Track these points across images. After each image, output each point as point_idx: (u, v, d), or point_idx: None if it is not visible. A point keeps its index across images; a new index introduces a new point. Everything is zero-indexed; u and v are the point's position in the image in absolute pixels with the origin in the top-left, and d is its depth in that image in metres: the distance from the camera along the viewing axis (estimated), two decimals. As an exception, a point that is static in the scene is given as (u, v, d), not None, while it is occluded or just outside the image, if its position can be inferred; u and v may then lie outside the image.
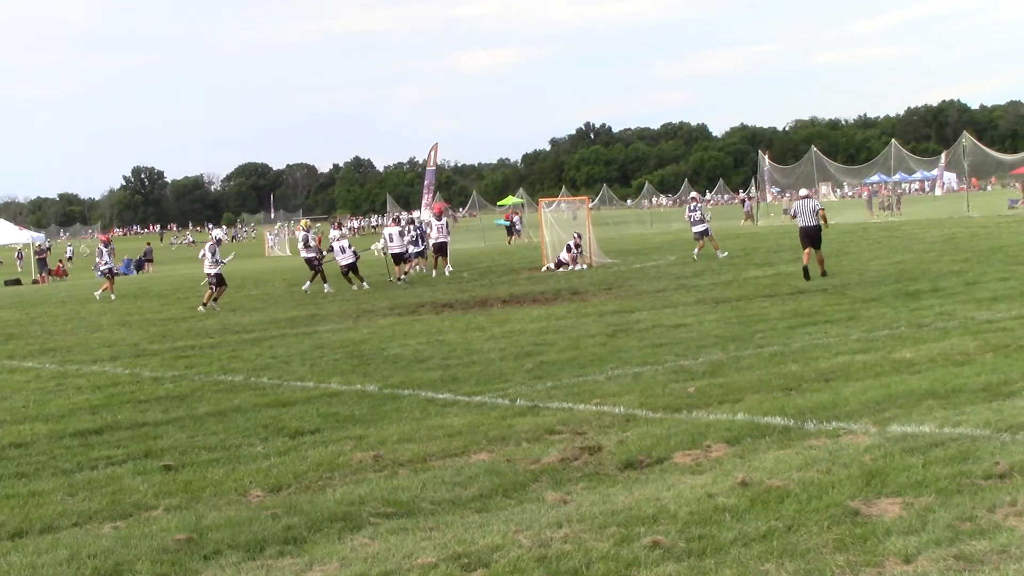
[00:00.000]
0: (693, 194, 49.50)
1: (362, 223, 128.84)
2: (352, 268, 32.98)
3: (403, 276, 34.44)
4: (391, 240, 35.22)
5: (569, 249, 35.74)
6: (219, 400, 13.68)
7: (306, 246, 34.19)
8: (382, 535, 7.48)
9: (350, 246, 33.18)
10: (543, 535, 7.16)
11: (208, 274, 29.51)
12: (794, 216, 27.51)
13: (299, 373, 15.56)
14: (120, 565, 7.20)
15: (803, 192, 29.48)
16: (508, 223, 65.24)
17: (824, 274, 25.34)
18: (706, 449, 9.30)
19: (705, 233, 36.20)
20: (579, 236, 36.28)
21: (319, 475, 9.37)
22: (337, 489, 8.82)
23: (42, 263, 61.91)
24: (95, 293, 37.43)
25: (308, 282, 32.78)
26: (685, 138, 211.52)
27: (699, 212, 36.72)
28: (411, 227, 37.30)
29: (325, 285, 32.29)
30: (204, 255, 30.38)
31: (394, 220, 40.61)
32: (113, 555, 7.39)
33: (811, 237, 26.22)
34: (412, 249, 36.49)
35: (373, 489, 8.68)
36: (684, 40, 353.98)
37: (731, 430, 9.88)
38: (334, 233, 38.53)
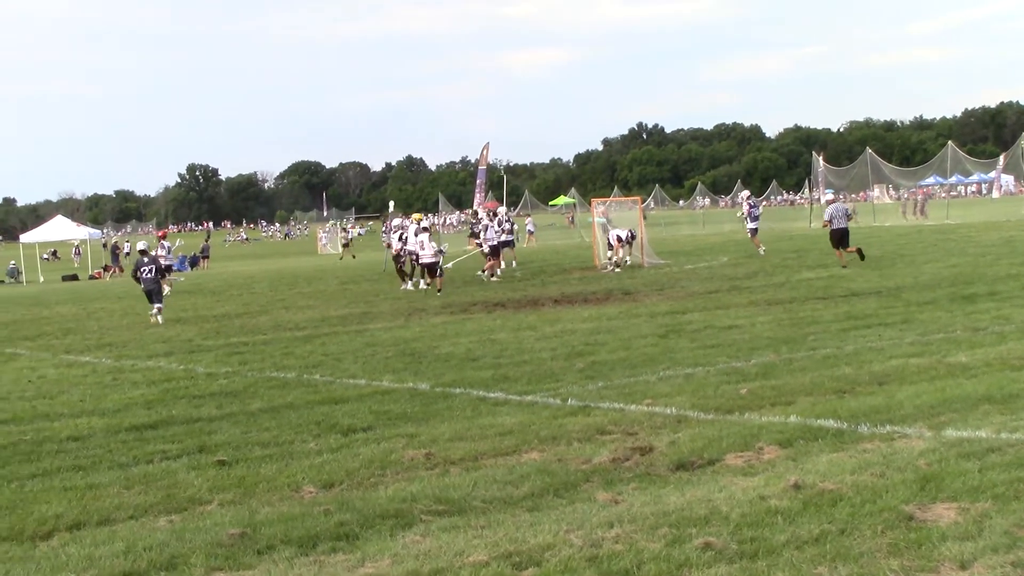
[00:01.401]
0: (746, 192, 49.65)
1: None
2: (432, 268, 31.09)
3: (495, 272, 34.19)
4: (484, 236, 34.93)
5: (619, 239, 35.51)
6: (272, 396, 13.78)
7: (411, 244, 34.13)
8: (433, 532, 7.51)
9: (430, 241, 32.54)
10: (594, 535, 7.16)
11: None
12: (829, 222, 30.04)
13: (351, 370, 15.65)
14: (175, 558, 7.28)
15: (830, 196, 31.52)
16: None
17: (863, 257, 28.74)
18: (758, 451, 9.26)
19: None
20: (632, 233, 36.08)
21: (371, 472, 9.42)
22: (389, 486, 8.87)
23: (115, 256, 62.62)
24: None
25: (417, 280, 32.33)
26: (738, 139, 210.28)
27: (759, 208, 37.64)
28: (500, 221, 37.17)
29: (417, 282, 32.11)
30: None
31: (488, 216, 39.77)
32: (168, 548, 7.47)
33: (842, 238, 29.55)
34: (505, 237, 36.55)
35: (425, 487, 8.72)
36: (738, 41, 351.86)
37: (783, 432, 9.83)
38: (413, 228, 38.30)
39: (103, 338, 22.91)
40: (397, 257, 33.42)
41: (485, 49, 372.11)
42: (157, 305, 26.43)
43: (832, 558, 6.49)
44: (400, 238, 33.13)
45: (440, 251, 31.11)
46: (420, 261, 31.21)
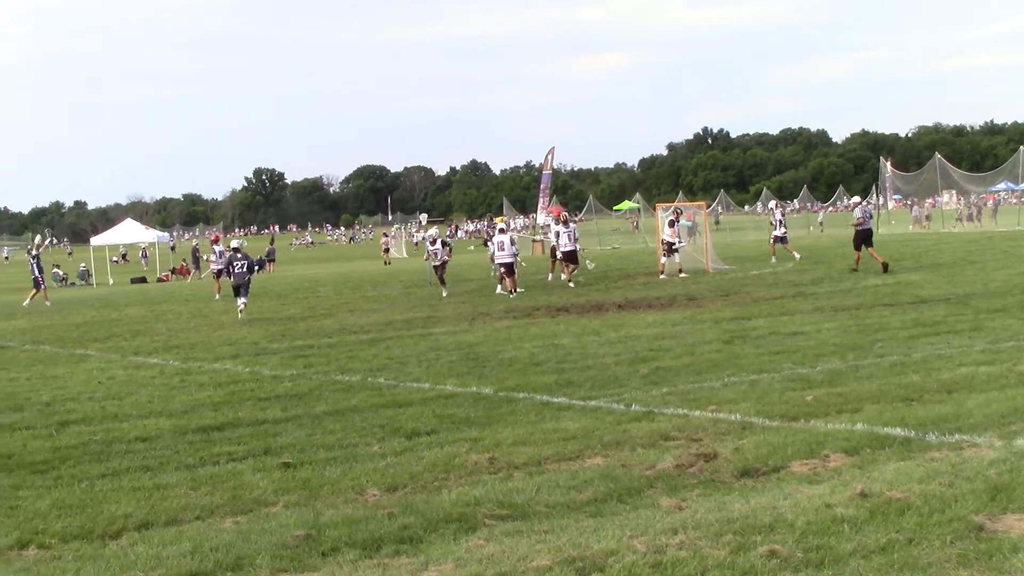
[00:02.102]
0: (775, 200, 50.78)
1: (479, 226, 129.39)
2: (508, 268, 31.82)
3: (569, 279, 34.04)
4: (557, 239, 34.72)
5: (672, 224, 35.65)
6: (337, 399, 13.86)
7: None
8: (497, 537, 7.51)
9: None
10: (658, 541, 7.13)
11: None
12: (861, 222, 31.82)
13: (415, 374, 15.71)
14: (241, 559, 7.34)
15: (856, 199, 32.66)
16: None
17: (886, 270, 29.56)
18: (824, 459, 9.17)
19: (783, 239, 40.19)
20: (689, 234, 35.95)
21: (435, 476, 9.45)
22: (452, 490, 8.88)
23: (196, 259, 63.42)
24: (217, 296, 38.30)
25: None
26: (804, 144, 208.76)
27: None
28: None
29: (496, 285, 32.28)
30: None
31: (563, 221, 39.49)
32: (234, 549, 7.54)
33: (867, 238, 31.53)
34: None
35: (488, 491, 8.73)
36: (804, 45, 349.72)
37: (850, 440, 9.73)
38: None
39: (171, 340, 23.18)
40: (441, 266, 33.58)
41: (551, 54, 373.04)
42: (243, 300, 28.65)
43: (900, 568, 6.41)
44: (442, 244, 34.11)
45: (515, 253, 32.26)
46: (497, 261, 32.55)
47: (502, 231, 33.70)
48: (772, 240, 40.18)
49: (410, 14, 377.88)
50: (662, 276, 33.89)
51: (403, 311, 27.05)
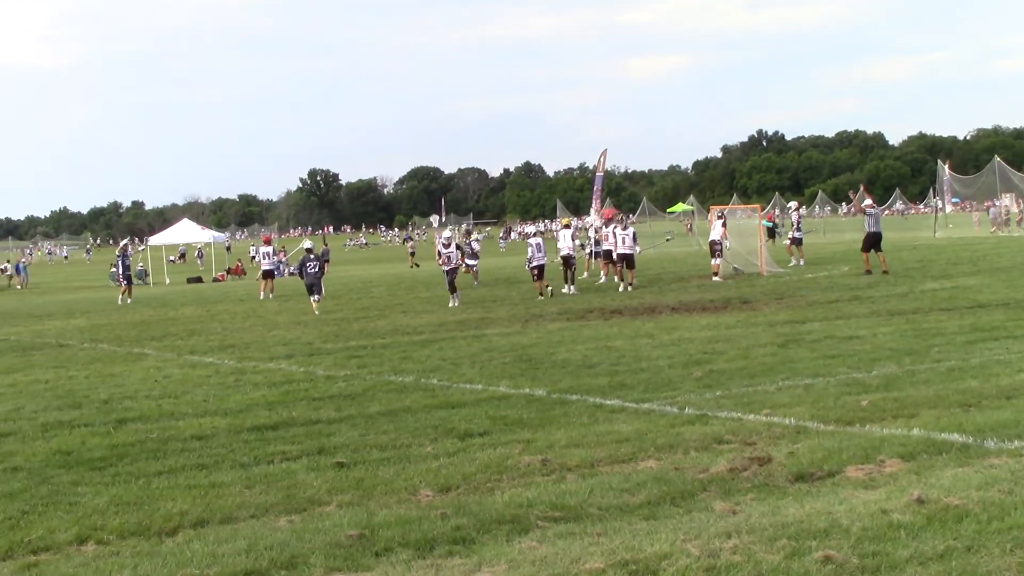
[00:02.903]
0: (795, 203, 51.05)
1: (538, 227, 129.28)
2: (567, 260, 32.85)
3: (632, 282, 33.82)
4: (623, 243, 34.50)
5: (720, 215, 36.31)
6: (390, 400, 13.92)
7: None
8: (550, 539, 7.51)
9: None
10: (712, 545, 7.09)
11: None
12: (873, 226, 32.35)
13: (468, 376, 15.73)
14: (295, 557, 7.38)
15: (868, 201, 33.14)
16: (771, 224, 62.44)
17: (886, 271, 30.55)
18: (880, 464, 9.09)
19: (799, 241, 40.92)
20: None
21: (487, 477, 9.46)
22: (505, 491, 8.89)
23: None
24: (260, 295, 38.59)
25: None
26: (860, 146, 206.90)
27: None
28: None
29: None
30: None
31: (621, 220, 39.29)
32: (289, 547, 7.59)
33: (877, 242, 32.06)
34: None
35: (541, 493, 8.73)
36: (860, 46, 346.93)
37: (906, 445, 9.64)
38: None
39: (226, 339, 23.39)
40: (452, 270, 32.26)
41: (605, 56, 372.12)
42: (315, 297, 30.05)
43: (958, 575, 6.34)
44: (457, 247, 33.94)
45: (572, 247, 33.60)
46: (560, 255, 33.21)
47: (567, 226, 35.46)
48: (789, 242, 40.61)
49: (465, 16, 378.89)
50: (715, 278, 33.72)
51: (456, 312, 27.10)
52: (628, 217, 50.29)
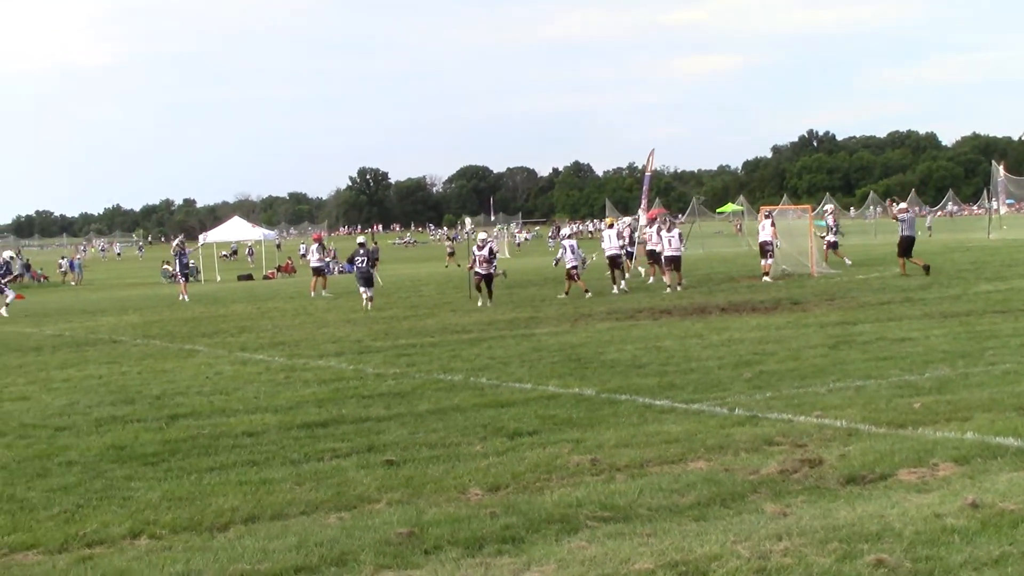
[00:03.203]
0: (831, 206, 51.18)
1: (581, 227, 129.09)
2: (614, 260, 33.15)
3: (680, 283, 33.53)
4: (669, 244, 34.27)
5: (768, 215, 37.04)
6: (439, 398, 13.95)
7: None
8: (599, 539, 7.50)
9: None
10: (762, 547, 7.06)
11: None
12: (907, 230, 32.57)
13: (517, 375, 15.74)
14: (345, 554, 7.43)
15: (903, 205, 33.63)
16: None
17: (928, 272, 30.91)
18: (933, 467, 9.01)
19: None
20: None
21: (537, 476, 9.46)
22: (554, 491, 8.89)
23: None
24: (311, 293, 38.78)
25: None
26: (912, 147, 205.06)
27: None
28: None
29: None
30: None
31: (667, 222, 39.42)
32: (339, 544, 7.63)
33: (910, 247, 32.42)
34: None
35: (590, 492, 8.72)
36: (912, 46, 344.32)
37: (959, 449, 9.54)
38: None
39: (276, 337, 23.53)
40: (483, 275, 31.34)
41: (655, 56, 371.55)
42: (369, 291, 30.67)
43: (1012, 581, 6.28)
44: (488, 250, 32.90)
45: (618, 247, 33.41)
46: (606, 255, 33.42)
47: (611, 225, 35.45)
48: (826, 246, 40.10)
49: (514, 16, 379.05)
50: (765, 279, 33.53)
51: (505, 311, 27.12)
52: (676, 217, 50.22)
